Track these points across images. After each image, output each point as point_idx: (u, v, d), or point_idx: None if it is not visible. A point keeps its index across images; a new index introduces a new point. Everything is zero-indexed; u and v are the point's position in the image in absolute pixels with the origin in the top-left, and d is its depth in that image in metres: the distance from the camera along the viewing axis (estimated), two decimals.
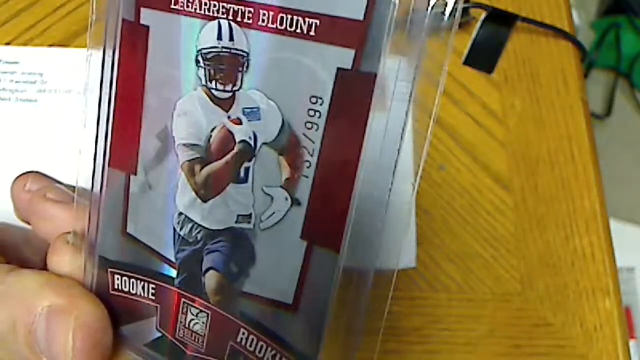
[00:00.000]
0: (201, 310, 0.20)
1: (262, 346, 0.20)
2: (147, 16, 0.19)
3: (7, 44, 0.42)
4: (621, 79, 1.31)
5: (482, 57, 0.44)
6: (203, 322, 0.20)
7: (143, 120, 0.20)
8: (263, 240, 0.19)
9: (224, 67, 0.18)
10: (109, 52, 0.20)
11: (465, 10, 0.44)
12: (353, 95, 0.17)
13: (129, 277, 0.21)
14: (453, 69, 0.44)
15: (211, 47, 0.18)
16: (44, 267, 0.22)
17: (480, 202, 0.40)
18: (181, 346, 0.21)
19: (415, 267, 0.38)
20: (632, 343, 0.84)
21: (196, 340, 0.21)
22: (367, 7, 0.16)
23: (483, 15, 0.44)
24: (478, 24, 0.44)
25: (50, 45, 0.42)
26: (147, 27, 0.19)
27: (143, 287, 0.21)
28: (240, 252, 0.19)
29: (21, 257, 0.25)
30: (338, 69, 0.17)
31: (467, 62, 0.44)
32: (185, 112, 0.19)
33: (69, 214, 0.23)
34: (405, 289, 0.38)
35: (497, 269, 0.39)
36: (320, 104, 0.17)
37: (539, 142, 0.42)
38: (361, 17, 0.16)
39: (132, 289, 0.21)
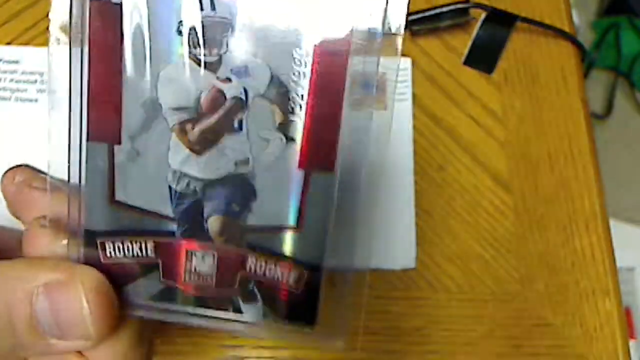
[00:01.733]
0: (206, 253, 0.22)
1: (270, 267, 0.22)
2: None
3: (8, 43, 0.42)
4: (621, 79, 1.31)
5: (482, 57, 0.44)
6: (210, 263, 0.22)
7: (124, 93, 0.21)
8: (262, 177, 0.21)
9: (209, 34, 0.20)
10: (76, 35, 0.21)
11: (465, 10, 0.44)
12: (334, 44, 0.20)
13: (123, 242, 0.22)
14: (453, 69, 0.44)
15: (194, 17, 0.20)
16: None
17: (480, 202, 0.40)
18: (190, 290, 0.22)
19: (415, 267, 0.38)
20: (632, 343, 0.84)
21: (205, 280, 0.22)
22: None
23: (483, 15, 0.44)
24: (478, 24, 0.44)
25: None
26: (120, 5, 0.20)
27: (140, 248, 0.22)
28: (241, 193, 0.21)
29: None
30: None
31: (467, 62, 0.44)
32: (170, 80, 0.20)
33: (52, 199, 0.23)
34: (405, 289, 0.38)
35: (497, 269, 0.39)
36: (306, 55, 0.20)
37: (539, 142, 0.42)
38: None
39: (127, 252, 0.22)
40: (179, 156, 0.21)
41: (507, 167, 0.42)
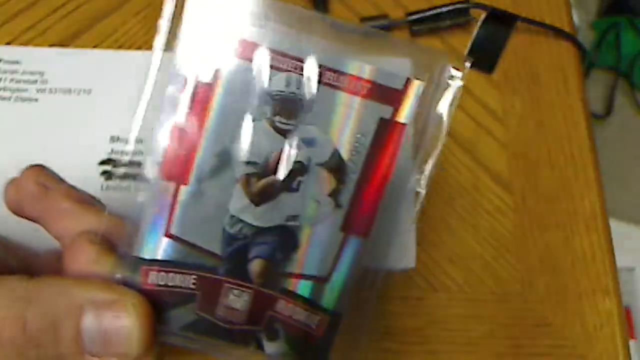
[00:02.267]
0: (243, 291, 0.24)
1: (297, 311, 0.24)
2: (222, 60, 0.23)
3: (8, 43, 0.42)
4: (621, 79, 1.31)
5: (482, 57, 0.44)
6: (245, 301, 0.24)
7: (202, 142, 0.23)
8: (307, 233, 0.24)
9: (288, 106, 0.23)
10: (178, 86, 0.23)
11: (465, 10, 0.44)
12: (389, 135, 0.24)
13: (167, 272, 0.23)
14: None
15: (279, 91, 0.23)
16: (29, 275, 0.22)
17: (480, 202, 0.40)
18: (220, 323, 0.24)
19: (415, 267, 0.38)
20: (632, 343, 0.84)
21: (237, 316, 0.24)
22: (406, 82, 0.24)
23: (483, 15, 0.44)
24: (478, 24, 0.44)
25: (51, 45, 0.42)
26: (218, 69, 0.23)
27: (182, 280, 0.23)
28: (286, 243, 0.24)
29: (2, 266, 0.24)
30: (380, 117, 0.24)
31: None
32: (247, 137, 0.23)
33: (94, 215, 0.23)
34: (405, 289, 0.38)
35: (497, 269, 0.39)
36: (365, 139, 0.24)
37: (539, 142, 0.42)
38: (401, 88, 0.24)
39: (169, 282, 0.23)
40: (239, 204, 0.23)
41: (507, 167, 0.42)
